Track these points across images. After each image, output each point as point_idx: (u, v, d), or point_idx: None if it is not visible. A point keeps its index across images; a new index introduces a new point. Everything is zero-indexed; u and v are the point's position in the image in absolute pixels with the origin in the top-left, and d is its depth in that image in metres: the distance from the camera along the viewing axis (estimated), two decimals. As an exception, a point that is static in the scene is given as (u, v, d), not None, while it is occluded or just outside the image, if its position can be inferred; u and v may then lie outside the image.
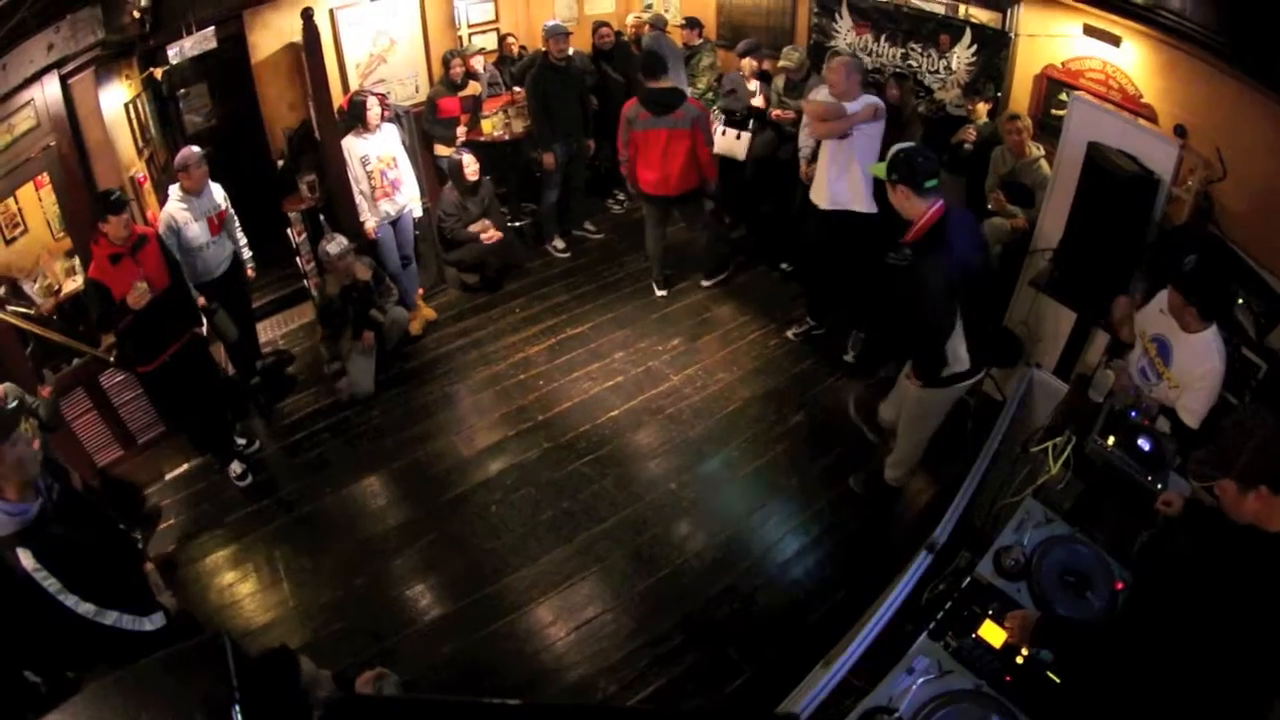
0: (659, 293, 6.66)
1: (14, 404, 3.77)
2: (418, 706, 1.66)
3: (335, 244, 5.41)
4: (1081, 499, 3.27)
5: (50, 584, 2.87)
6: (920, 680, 2.54)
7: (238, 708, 1.15)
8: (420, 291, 6.60)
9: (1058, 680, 2.57)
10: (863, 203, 5.22)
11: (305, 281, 6.54)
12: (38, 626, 2.93)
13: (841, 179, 5.22)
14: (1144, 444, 3.20)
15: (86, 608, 2.95)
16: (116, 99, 5.28)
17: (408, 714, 1.36)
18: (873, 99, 5.02)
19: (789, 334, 6.12)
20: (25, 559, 2.83)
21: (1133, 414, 3.34)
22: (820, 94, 5.22)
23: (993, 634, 2.69)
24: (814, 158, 6.26)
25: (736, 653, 3.95)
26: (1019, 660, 2.62)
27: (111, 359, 4.91)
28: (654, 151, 5.86)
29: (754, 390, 5.62)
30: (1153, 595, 2.67)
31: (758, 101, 6.82)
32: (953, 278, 3.51)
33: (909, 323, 3.89)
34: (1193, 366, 3.31)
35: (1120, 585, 2.85)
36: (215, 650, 1.24)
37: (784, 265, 6.90)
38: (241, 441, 5.29)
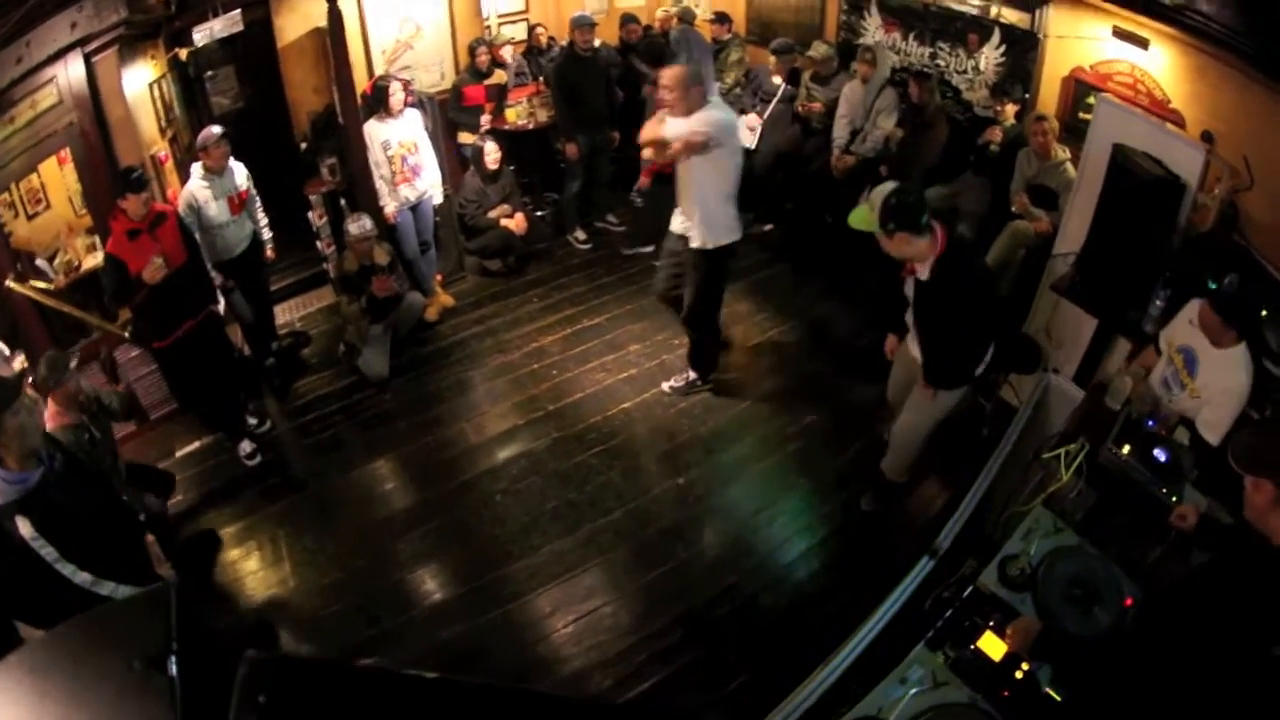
0: None
1: (91, 398, 3.94)
2: (349, 671, 1.65)
3: (358, 225, 5.44)
4: (1093, 510, 3.18)
5: (47, 552, 2.89)
6: (913, 691, 2.47)
7: (174, 658, 1.18)
8: (439, 278, 6.59)
9: (1057, 698, 2.49)
10: (703, 236, 4.69)
11: (325, 264, 6.56)
12: (35, 593, 2.95)
13: (688, 209, 4.74)
14: (1160, 455, 3.10)
15: (83, 577, 2.96)
16: (141, 78, 5.33)
17: (336, 678, 1.35)
18: (712, 114, 4.38)
19: (665, 387, 5.53)
20: (24, 527, 2.85)
21: (1150, 423, 3.25)
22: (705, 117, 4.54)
23: (993, 646, 2.61)
24: (848, 149, 6.24)
25: (735, 653, 3.89)
26: (1018, 675, 2.53)
27: (126, 334, 4.95)
28: None
29: (768, 388, 5.55)
30: (1164, 613, 2.59)
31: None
32: (987, 271, 3.56)
33: (963, 335, 3.76)
34: (1218, 381, 3.19)
35: (1129, 601, 2.76)
36: (160, 603, 1.28)
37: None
38: (253, 421, 5.32)
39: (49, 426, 3.46)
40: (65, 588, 2.94)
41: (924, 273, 3.55)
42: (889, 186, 3.58)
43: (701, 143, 4.32)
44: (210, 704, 1.11)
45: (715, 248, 4.73)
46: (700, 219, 4.66)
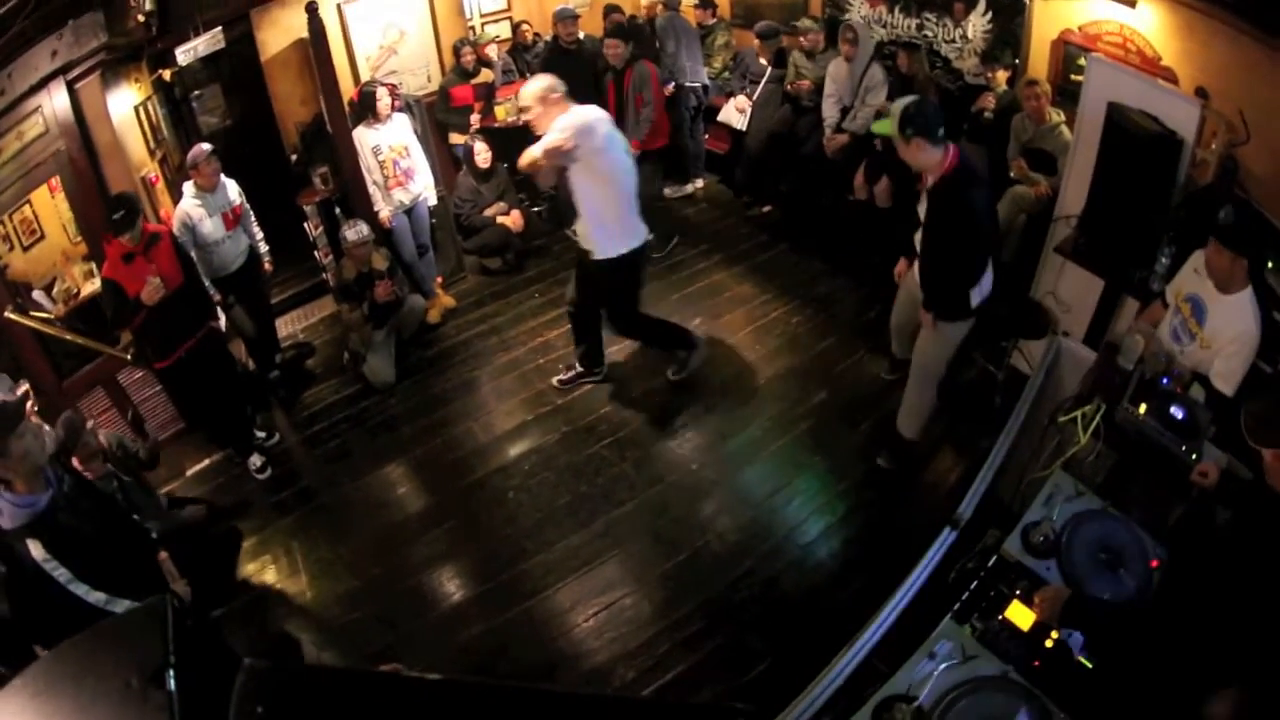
0: None
1: (115, 446, 4.00)
2: (348, 678, 1.64)
3: (355, 231, 5.41)
4: (1113, 472, 3.15)
5: (61, 574, 2.88)
6: (943, 666, 2.43)
7: (171, 672, 1.17)
8: (439, 279, 6.56)
9: (1089, 665, 2.45)
10: (596, 246, 4.63)
11: (324, 274, 6.53)
12: (51, 616, 2.94)
13: (583, 224, 4.66)
14: (1177, 412, 3.07)
15: (97, 596, 2.95)
16: (126, 102, 5.30)
17: (336, 684, 1.33)
18: (568, 118, 4.25)
19: (553, 381, 5.49)
20: (35, 550, 2.85)
21: (1164, 381, 3.21)
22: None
23: (1021, 616, 2.58)
24: (838, 128, 6.20)
25: (758, 637, 3.86)
26: (1048, 644, 2.49)
27: (129, 357, 4.95)
28: None
29: (776, 369, 5.51)
30: (1191, 573, 2.56)
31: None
32: (991, 198, 3.73)
33: (953, 258, 3.87)
34: (1227, 328, 3.16)
35: (1155, 563, 2.72)
36: (157, 617, 1.27)
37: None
38: (261, 434, 5.30)
39: None
40: (79, 609, 2.92)
41: (930, 182, 3.73)
42: (910, 98, 3.74)
43: (559, 148, 4.22)
44: (214, 715, 1.10)
45: (616, 257, 4.63)
46: (592, 230, 4.60)
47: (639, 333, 5.28)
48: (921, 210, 3.93)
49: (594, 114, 4.39)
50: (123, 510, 3.45)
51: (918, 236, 4.07)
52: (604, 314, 5.12)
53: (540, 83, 4.33)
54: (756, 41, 6.94)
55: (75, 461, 3.58)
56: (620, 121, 6.25)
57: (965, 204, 3.64)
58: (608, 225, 4.56)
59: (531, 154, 4.32)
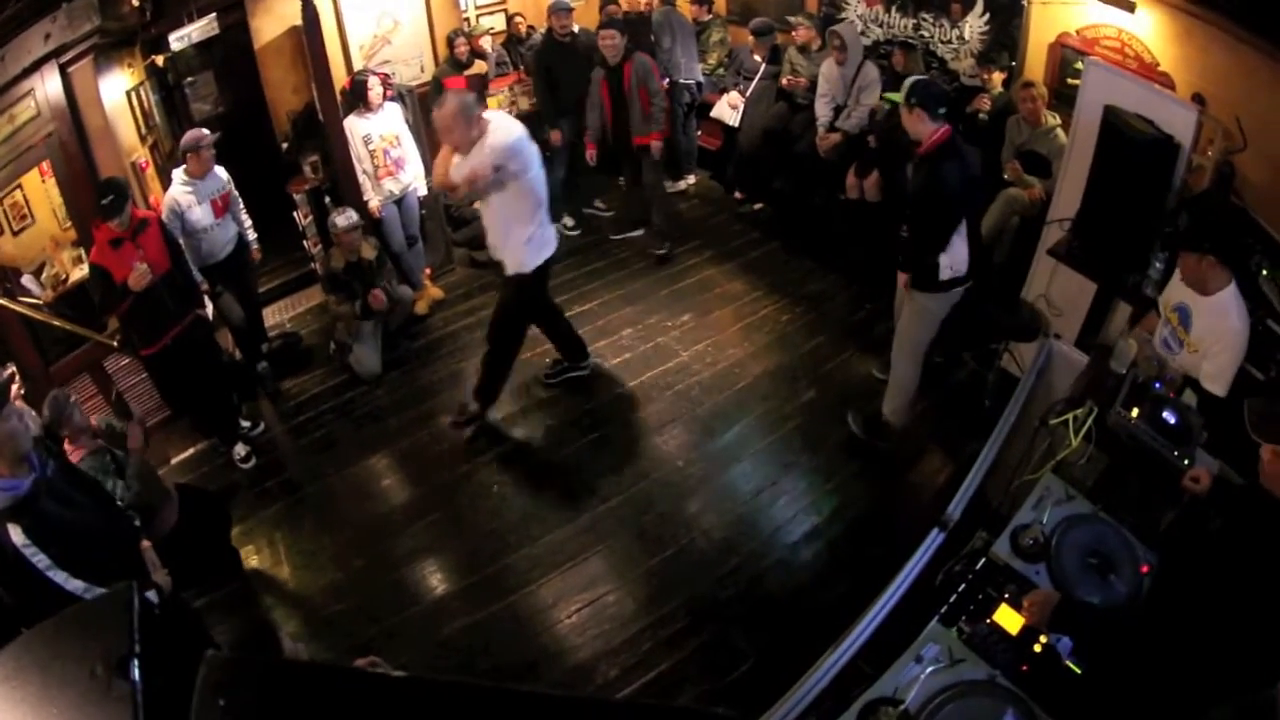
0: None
1: (103, 425, 3.90)
2: (313, 673, 1.64)
3: (344, 217, 5.37)
4: (1104, 476, 3.13)
5: (39, 560, 2.85)
6: (929, 669, 2.41)
7: (136, 661, 1.18)
8: (428, 271, 6.51)
9: (1077, 670, 2.43)
10: (517, 261, 4.60)
11: (313, 264, 6.48)
12: (33, 600, 2.89)
13: (494, 238, 4.65)
14: (1169, 417, 3.05)
15: (76, 584, 2.91)
16: (118, 86, 5.25)
17: (301, 679, 1.32)
18: (493, 140, 4.20)
19: (446, 421, 5.18)
20: (15, 534, 2.82)
21: (1156, 385, 3.19)
22: None
23: (1009, 619, 2.56)
24: (831, 127, 6.18)
25: (742, 637, 3.84)
26: (1036, 649, 2.47)
27: (115, 343, 4.90)
28: None
29: (765, 366, 5.49)
30: (1181, 579, 2.54)
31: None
32: (968, 177, 4.00)
33: (924, 224, 4.14)
34: (1212, 328, 3.16)
35: (1146, 568, 2.71)
36: (122, 605, 1.27)
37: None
38: (246, 424, 5.25)
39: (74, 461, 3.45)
40: (60, 595, 2.89)
41: (923, 149, 4.01)
42: (924, 76, 4.34)
43: (488, 177, 4.16)
44: (178, 706, 1.09)
45: (532, 271, 4.61)
46: (508, 246, 4.56)
47: (500, 359, 5.03)
48: (909, 179, 4.26)
49: (517, 128, 4.32)
50: (107, 497, 3.39)
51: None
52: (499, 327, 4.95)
53: (454, 101, 4.18)
54: (751, 38, 6.91)
55: (65, 441, 3.54)
56: (617, 117, 6.24)
57: (939, 173, 3.93)
58: (526, 239, 4.51)
59: (450, 179, 4.28)
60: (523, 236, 4.48)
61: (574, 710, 1.37)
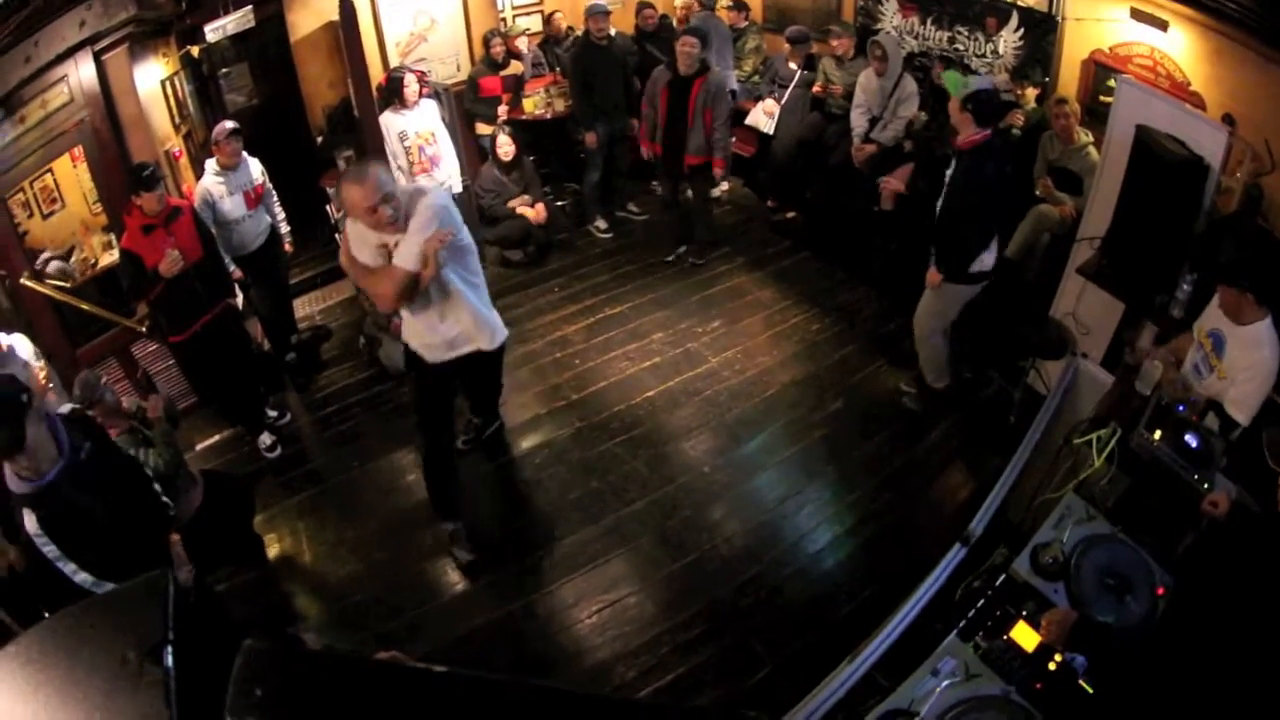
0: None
1: (134, 407, 3.94)
2: (348, 664, 1.61)
3: None
4: (1125, 497, 3.13)
5: (49, 550, 2.79)
6: (945, 683, 2.42)
7: (169, 649, 1.14)
8: (459, 269, 6.54)
9: (1090, 690, 2.43)
10: (484, 339, 3.87)
11: (344, 257, 6.54)
12: (47, 587, 2.90)
13: (452, 320, 3.75)
14: (1191, 440, 3.04)
15: (83, 577, 2.85)
16: (153, 75, 5.34)
17: (336, 670, 1.31)
18: (425, 207, 3.33)
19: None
20: (29, 522, 2.76)
21: (1180, 408, 3.19)
22: None
23: (1026, 637, 2.56)
24: (866, 138, 6.18)
25: (760, 644, 3.85)
26: (1051, 667, 2.48)
27: (143, 329, 4.97)
28: None
29: (794, 375, 5.50)
30: (1195, 603, 2.54)
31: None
32: (1005, 176, 4.20)
33: (960, 217, 4.31)
34: (1243, 356, 3.16)
35: (1161, 590, 2.71)
36: (158, 591, 1.24)
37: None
38: (273, 414, 5.31)
39: None
40: (68, 586, 2.85)
41: (959, 143, 4.23)
42: (989, 85, 4.41)
43: (441, 245, 3.36)
44: (210, 695, 1.08)
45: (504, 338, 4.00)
46: (475, 322, 3.77)
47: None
48: (948, 175, 4.36)
49: (433, 190, 3.60)
50: (144, 479, 3.40)
51: (939, 204, 4.46)
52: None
53: (358, 183, 3.26)
54: (787, 46, 6.92)
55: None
56: (670, 129, 6.10)
57: (978, 166, 4.13)
58: (487, 309, 3.85)
59: (400, 266, 3.40)
60: (484, 301, 3.84)
61: (608, 711, 1.38)
